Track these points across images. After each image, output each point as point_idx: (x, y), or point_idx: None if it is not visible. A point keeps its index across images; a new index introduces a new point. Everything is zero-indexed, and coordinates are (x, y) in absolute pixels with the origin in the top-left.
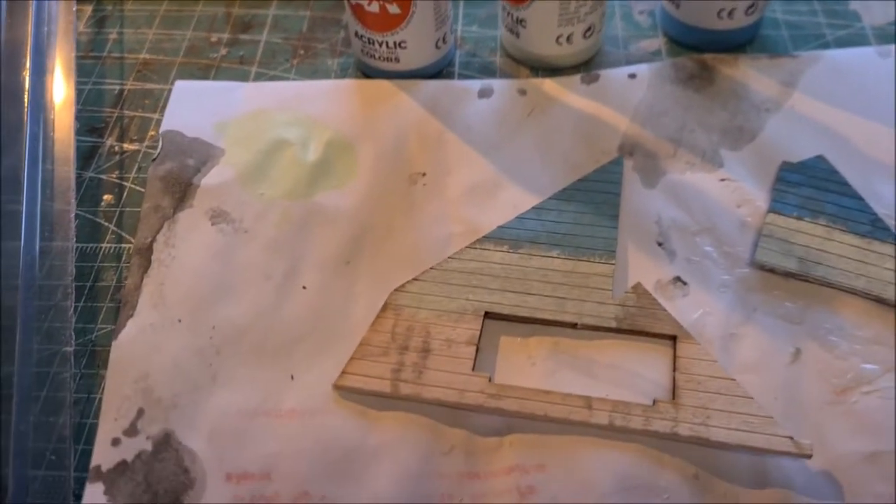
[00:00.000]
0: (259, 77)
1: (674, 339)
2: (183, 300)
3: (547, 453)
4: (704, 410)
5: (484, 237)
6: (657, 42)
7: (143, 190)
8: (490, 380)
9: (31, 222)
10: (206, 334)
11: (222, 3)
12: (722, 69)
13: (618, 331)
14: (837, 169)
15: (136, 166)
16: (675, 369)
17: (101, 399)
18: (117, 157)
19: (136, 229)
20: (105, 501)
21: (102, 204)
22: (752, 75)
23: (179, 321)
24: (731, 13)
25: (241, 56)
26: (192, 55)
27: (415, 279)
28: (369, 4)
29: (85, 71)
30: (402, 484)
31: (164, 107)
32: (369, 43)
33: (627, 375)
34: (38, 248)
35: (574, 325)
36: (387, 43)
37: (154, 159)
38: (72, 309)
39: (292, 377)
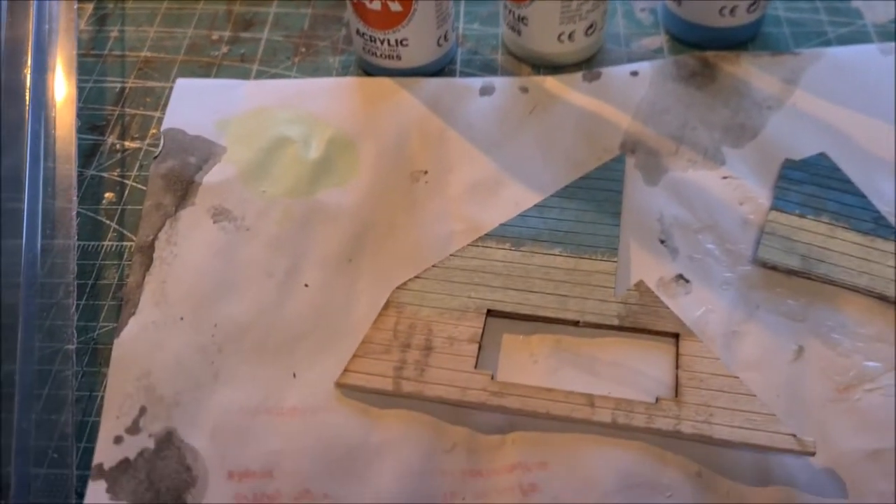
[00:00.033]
0: (260, 75)
1: (676, 336)
2: (185, 298)
3: (549, 451)
4: (707, 408)
5: (486, 235)
6: (659, 40)
7: (144, 188)
8: (492, 377)
9: (33, 220)
10: (208, 332)
11: (223, 0)
12: (724, 67)
13: (620, 328)
14: (840, 166)
15: (137, 164)
16: (677, 367)
17: (102, 397)
18: (119, 155)
19: (138, 227)
20: (107, 499)
21: (104, 202)
22: (754, 73)
23: (181, 319)
24: (732, 10)
25: (242, 54)
26: (193, 53)
27: (417, 277)
28: (371, 2)
29: (86, 69)
30: (404, 482)
31: (165, 105)
32: (371, 40)
33: (630, 373)
34: (39, 246)
35: (576, 323)
36: (388, 40)
37: (156, 157)
38: (73, 307)
39: (294, 375)
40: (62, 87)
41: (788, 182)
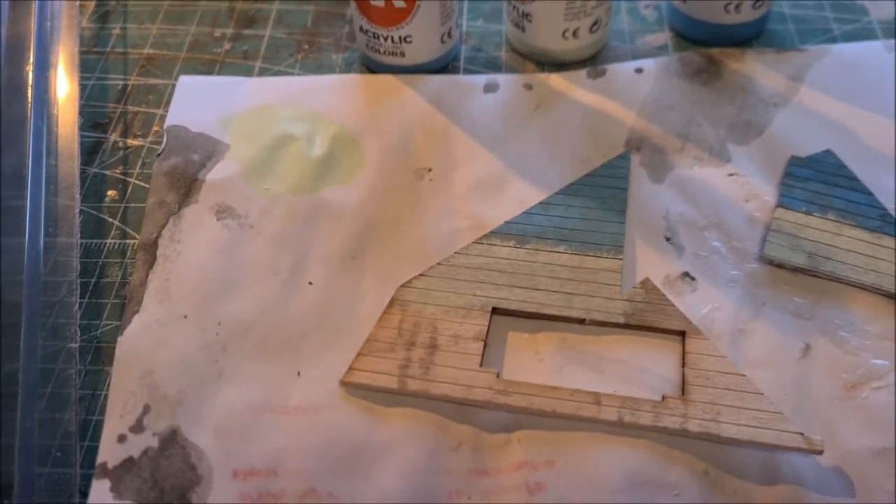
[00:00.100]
0: (263, 72)
1: (682, 334)
2: (188, 296)
3: (555, 450)
4: (714, 406)
5: (491, 232)
6: (664, 36)
7: (147, 185)
8: (498, 376)
9: (36, 218)
10: (212, 330)
11: None
12: (729, 63)
13: (626, 326)
14: (846, 163)
15: (140, 162)
16: (683, 365)
17: (106, 395)
18: (121, 153)
19: (141, 225)
20: (111, 498)
21: (107, 200)
22: (760, 70)
23: (185, 317)
24: (738, 7)
25: (245, 51)
26: (195, 50)
27: (421, 275)
28: None
29: (88, 66)
30: (409, 480)
31: (167, 102)
32: (374, 37)
33: (636, 371)
34: (42, 244)
35: (582, 321)
36: (392, 37)
37: (159, 154)
38: (76, 305)
39: (298, 373)
40: (64, 85)
41: (794, 179)
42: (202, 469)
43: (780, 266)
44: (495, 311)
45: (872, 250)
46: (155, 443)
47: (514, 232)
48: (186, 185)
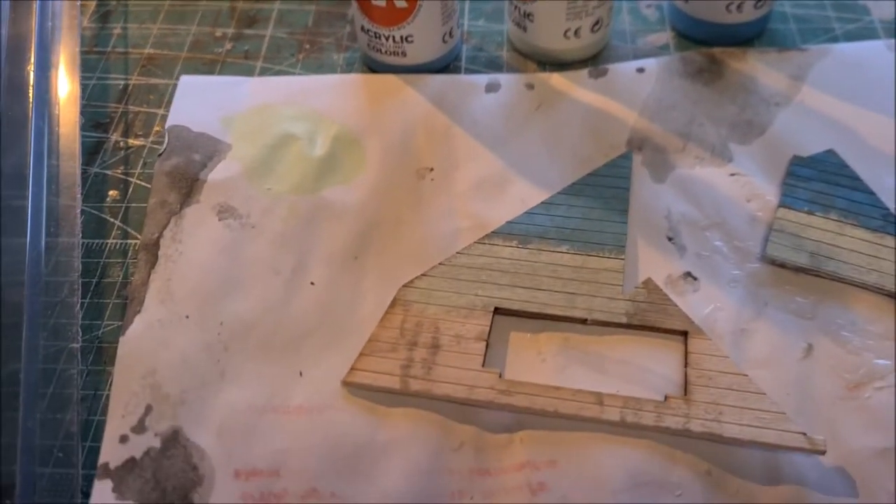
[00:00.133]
0: (264, 72)
1: (685, 334)
2: (190, 296)
3: (558, 450)
4: (716, 406)
5: (492, 232)
6: (665, 36)
7: (148, 185)
8: (500, 376)
9: (37, 218)
10: (214, 330)
11: None
12: (731, 63)
13: (628, 326)
14: (848, 163)
15: (141, 162)
16: (686, 365)
17: (108, 396)
18: (122, 153)
19: (143, 225)
20: (113, 499)
21: (108, 199)
22: (761, 69)
23: (187, 317)
24: (739, 7)
25: (246, 51)
26: (196, 50)
27: (423, 275)
28: None
29: (89, 66)
30: (411, 480)
31: (168, 102)
32: (376, 37)
33: (638, 371)
34: (43, 243)
35: (584, 321)
36: (393, 37)
37: (160, 154)
38: (78, 305)
39: (301, 373)
40: (65, 85)
41: (796, 179)
42: (204, 469)
43: (783, 266)
44: (497, 311)
45: (875, 250)
46: (157, 443)
47: (516, 232)
48: (188, 185)
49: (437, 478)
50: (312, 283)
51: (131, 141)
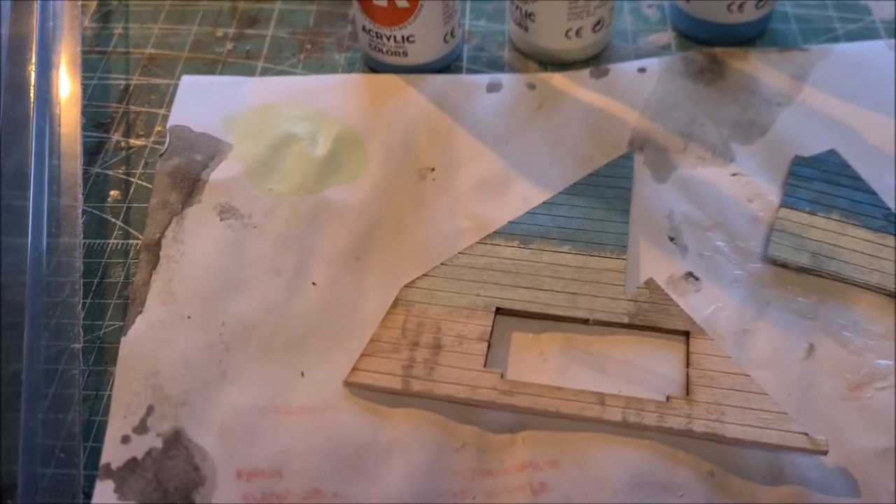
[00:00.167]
0: (265, 72)
1: (687, 334)
2: (192, 296)
3: (560, 450)
4: (719, 406)
5: (494, 232)
6: (666, 36)
7: (149, 186)
8: (502, 376)
9: (38, 218)
10: (216, 330)
11: None
12: (732, 63)
13: (630, 326)
14: (850, 163)
15: (142, 162)
16: (688, 365)
17: (109, 396)
18: (124, 153)
19: (144, 225)
20: (115, 499)
21: (109, 199)
22: (763, 69)
23: (189, 317)
24: (741, 7)
25: (247, 51)
26: (197, 50)
27: (425, 275)
28: None
29: (90, 66)
30: (413, 481)
31: (170, 102)
32: (377, 37)
33: (640, 371)
34: (45, 244)
35: (586, 321)
36: (395, 37)
37: (161, 154)
38: (79, 305)
39: (302, 374)
40: (66, 85)
41: (798, 179)
42: (206, 470)
43: (784, 266)
44: (499, 311)
45: (876, 250)
46: (158, 443)
47: (517, 232)
48: (189, 185)
49: (438, 478)
50: (314, 284)
51: (133, 141)
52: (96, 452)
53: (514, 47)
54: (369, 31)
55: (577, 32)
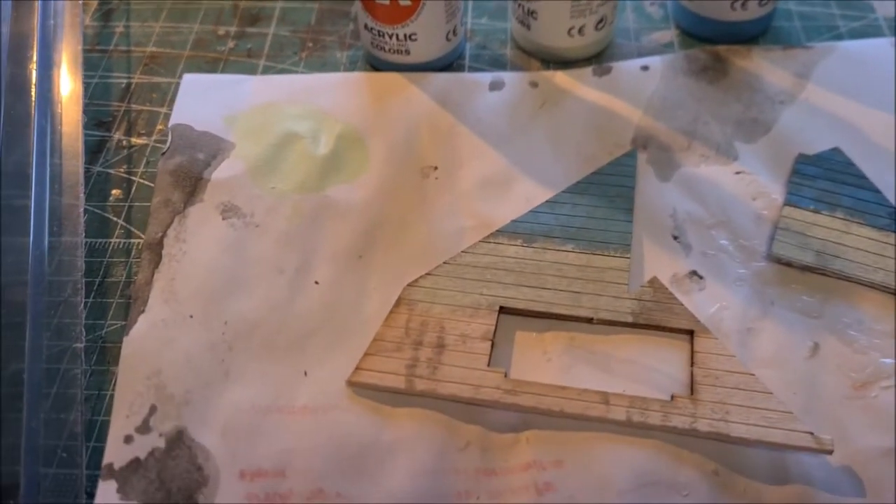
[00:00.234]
0: (267, 70)
1: (691, 333)
2: (194, 295)
3: (564, 449)
4: (723, 406)
5: (497, 231)
6: (669, 34)
7: (151, 184)
8: (505, 375)
9: (40, 217)
10: (219, 329)
11: None
12: (735, 61)
13: (634, 325)
14: (854, 161)
15: (144, 160)
16: (692, 364)
17: (112, 396)
18: (125, 152)
19: (146, 224)
20: (118, 499)
21: (111, 198)
22: (766, 67)
23: (191, 317)
24: (744, 4)
25: (248, 49)
26: (199, 48)
27: (428, 274)
28: None
29: (92, 64)
30: (417, 480)
31: (171, 100)
32: (379, 35)
33: (644, 370)
34: (46, 243)
35: (590, 320)
36: (397, 35)
37: (163, 153)
38: (81, 305)
39: (305, 373)
40: (68, 83)
41: (802, 177)
42: (209, 470)
43: (789, 264)
44: (503, 310)
45: (881, 248)
46: (161, 443)
47: (520, 230)
48: (191, 184)
49: (442, 478)
50: (317, 283)
51: (134, 140)
52: (99, 452)
53: (516, 45)
54: (371, 29)
55: (580, 30)
